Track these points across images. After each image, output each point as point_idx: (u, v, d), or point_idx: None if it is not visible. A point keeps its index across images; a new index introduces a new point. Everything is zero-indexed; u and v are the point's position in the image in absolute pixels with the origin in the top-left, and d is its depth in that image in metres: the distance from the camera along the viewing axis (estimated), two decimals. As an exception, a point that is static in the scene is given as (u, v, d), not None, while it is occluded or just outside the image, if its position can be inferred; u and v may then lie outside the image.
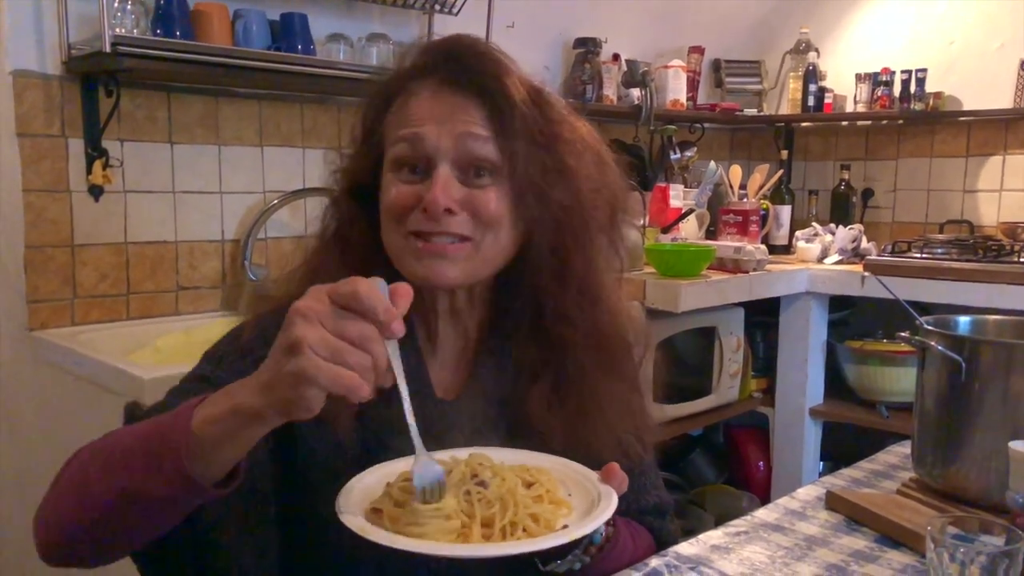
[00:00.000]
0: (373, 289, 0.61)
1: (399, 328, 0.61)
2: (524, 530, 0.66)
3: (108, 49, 1.57)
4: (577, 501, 0.72)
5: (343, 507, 0.68)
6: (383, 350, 0.61)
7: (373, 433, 0.82)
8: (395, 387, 0.64)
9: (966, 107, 2.79)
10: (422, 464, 0.68)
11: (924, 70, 2.79)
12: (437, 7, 2.23)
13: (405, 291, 0.63)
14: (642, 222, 2.37)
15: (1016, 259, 2.21)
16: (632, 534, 0.88)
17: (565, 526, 0.67)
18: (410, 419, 0.67)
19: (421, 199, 0.81)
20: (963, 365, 0.97)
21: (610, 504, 0.69)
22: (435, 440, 0.82)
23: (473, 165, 0.82)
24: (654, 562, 0.86)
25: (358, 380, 0.59)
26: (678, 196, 2.56)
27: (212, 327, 1.85)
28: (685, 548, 0.90)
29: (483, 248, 0.83)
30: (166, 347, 1.77)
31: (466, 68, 0.83)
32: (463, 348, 0.91)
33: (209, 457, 0.64)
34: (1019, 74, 2.67)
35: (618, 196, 0.91)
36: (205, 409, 0.65)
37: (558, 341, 0.87)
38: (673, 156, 2.81)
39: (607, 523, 0.81)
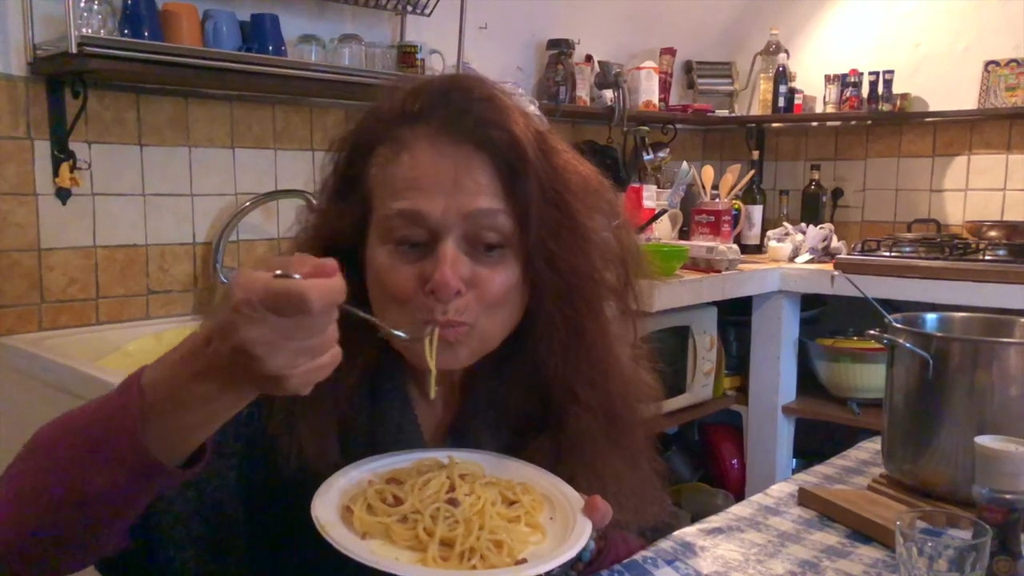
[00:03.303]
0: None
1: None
2: (482, 557, 0.64)
3: (74, 50, 1.55)
4: (556, 527, 0.70)
5: (318, 498, 0.66)
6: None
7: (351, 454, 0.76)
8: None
9: (932, 108, 2.84)
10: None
11: (891, 71, 2.83)
12: (409, 8, 2.22)
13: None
14: (617, 223, 2.38)
15: (981, 257, 2.25)
16: (625, 539, 0.87)
17: (524, 560, 0.65)
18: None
19: (425, 280, 0.72)
20: (930, 362, 0.98)
21: (578, 542, 0.67)
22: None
23: (483, 241, 0.74)
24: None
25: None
26: (651, 197, 2.58)
27: (183, 331, 1.83)
28: (662, 544, 0.90)
29: (478, 329, 0.75)
30: (137, 352, 1.74)
31: (467, 112, 0.73)
32: (448, 387, 0.84)
33: (172, 423, 0.57)
34: (983, 76, 2.73)
35: (631, 253, 0.83)
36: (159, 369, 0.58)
37: (562, 410, 0.80)
38: (646, 157, 2.84)
39: (596, 538, 0.79)
